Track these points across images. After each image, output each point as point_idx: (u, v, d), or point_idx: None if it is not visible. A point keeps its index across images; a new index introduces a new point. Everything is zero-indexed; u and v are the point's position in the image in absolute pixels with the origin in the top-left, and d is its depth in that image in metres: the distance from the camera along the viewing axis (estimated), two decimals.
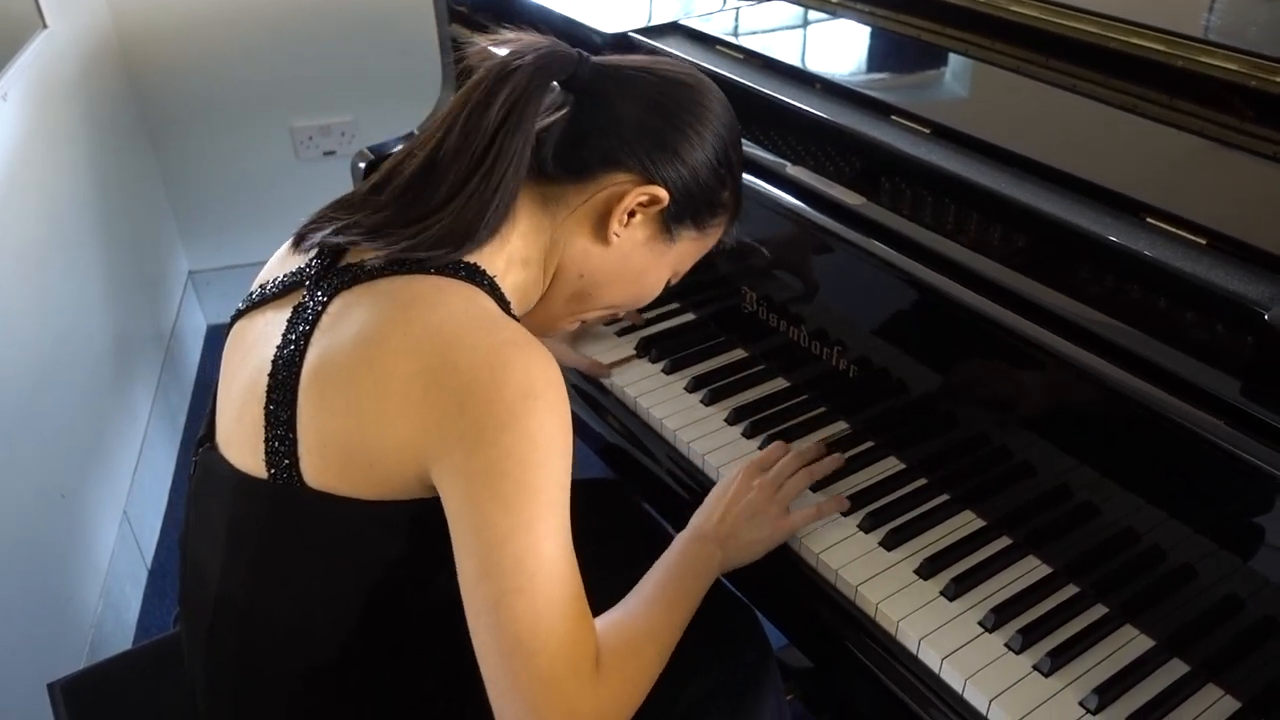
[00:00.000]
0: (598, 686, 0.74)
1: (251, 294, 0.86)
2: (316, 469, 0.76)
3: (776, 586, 0.98)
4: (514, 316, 0.82)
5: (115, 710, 1.04)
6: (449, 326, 0.74)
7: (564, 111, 0.85)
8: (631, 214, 0.86)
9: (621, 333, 1.24)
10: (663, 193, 0.85)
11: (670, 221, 0.88)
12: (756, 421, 1.09)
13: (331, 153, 2.42)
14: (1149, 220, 0.90)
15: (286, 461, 0.76)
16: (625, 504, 1.21)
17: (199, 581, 0.86)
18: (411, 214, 0.79)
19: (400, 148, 0.86)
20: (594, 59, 0.85)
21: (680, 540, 0.92)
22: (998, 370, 0.93)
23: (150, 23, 2.21)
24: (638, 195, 0.84)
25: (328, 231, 0.80)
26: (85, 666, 1.09)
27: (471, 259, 0.80)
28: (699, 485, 1.06)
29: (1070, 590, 0.90)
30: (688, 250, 0.92)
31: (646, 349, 1.21)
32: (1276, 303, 0.78)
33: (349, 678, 0.83)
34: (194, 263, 2.51)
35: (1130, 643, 0.85)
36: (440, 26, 1.62)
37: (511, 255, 0.84)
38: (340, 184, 2.06)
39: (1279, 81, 1.01)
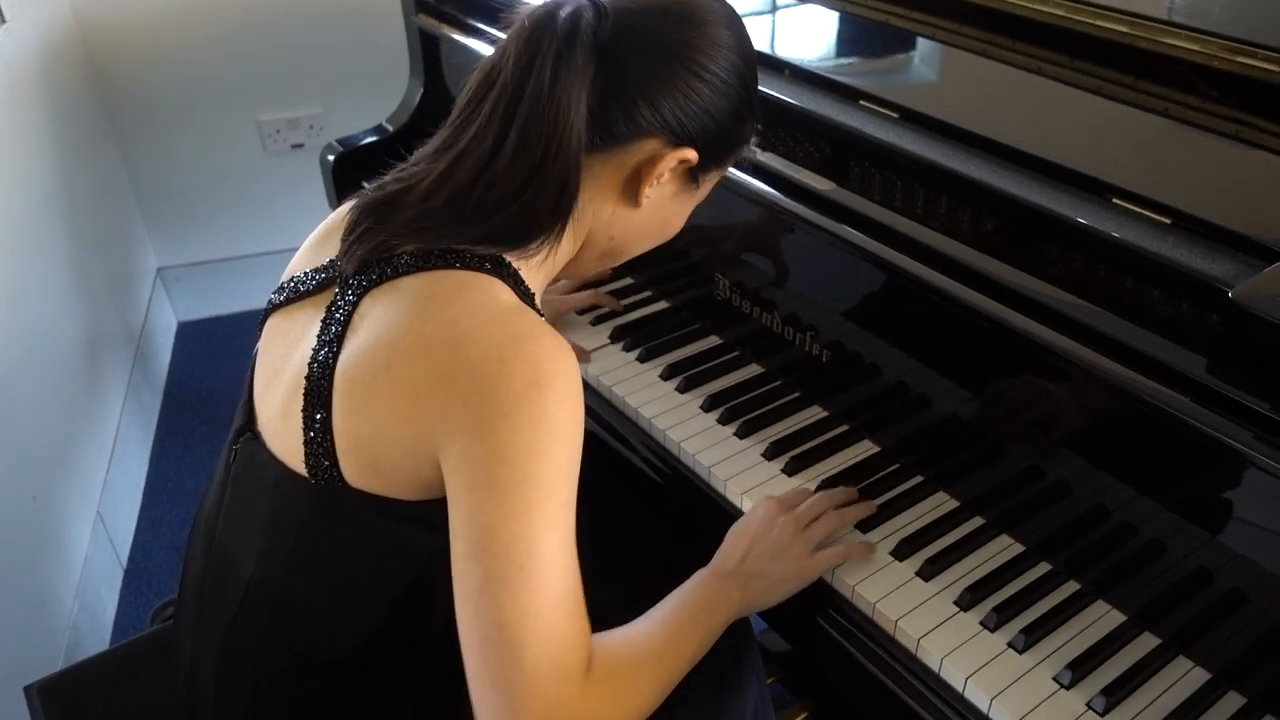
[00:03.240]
0: (584, 694, 0.72)
1: (284, 286, 0.85)
2: (354, 470, 0.76)
3: None
4: (534, 307, 0.80)
5: (94, 711, 1.03)
6: (462, 322, 0.73)
7: (590, 75, 0.78)
8: (661, 175, 0.83)
9: (595, 322, 1.24)
10: (693, 155, 0.82)
11: (698, 173, 0.86)
12: (732, 408, 1.09)
13: (300, 145, 2.40)
14: (1114, 201, 0.91)
15: (326, 463, 0.76)
16: (601, 491, 1.21)
17: (225, 567, 0.86)
18: (470, 212, 0.77)
19: (441, 130, 0.82)
20: (605, 4, 0.79)
21: (699, 576, 0.89)
22: (967, 352, 0.94)
23: (112, 16, 2.18)
24: (671, 161, 0.82)
25: (376, 235, 0.78)
26: (63, 668, 1.08)
27: (504, 252, 0.78)
28: (674, 472, 1.07)
29: (1042, 568, 0.91)
30: (711, 186, 0.91)
31: (620, 337, 1.21)
32: (1240, 280, 0.79)
33: (370, 670, 0.83)
34: (162, 259, 2.48)
35: (1102, 618, 0.87)
36: (407, 17, 1.61)
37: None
38: (309, 177, 2.06)
39: (1240, 61, 1.02)
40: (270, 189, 2.43)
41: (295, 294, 0.84)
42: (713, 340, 1.20)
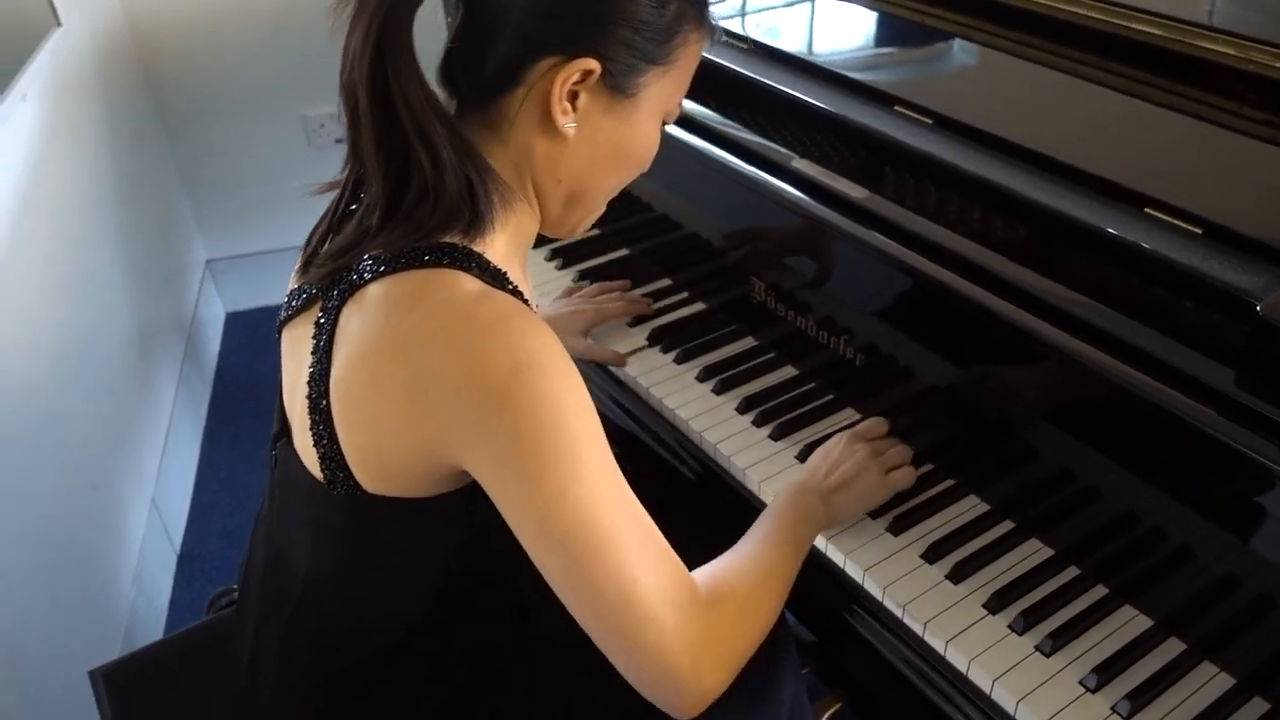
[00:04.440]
0: (705, 619, 0.76)
1: (289, 300, 0.88)
2: (368, 478, 0.78)
3: None
4: (506, 284, 0.78)
5: (155, 696, 1.08)
6: (429, 323, 0.73)
7: (458, 19, 0.78)
8: (574, 96, 0.78)
9: (633, 323, 1.27)
10: (591, 63, 0.76)
11: (621, 80, 0.79)
12: (766, 410, 1.11)
13: (343, 140, 2.43)
14: (1147, 210, 0.92)
15: (341, 474, 0.78)
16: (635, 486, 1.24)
17: (282, 567, 0.89)
18: (400, 221, 0.77)
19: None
20: None
21: (784, 493, 0.95)
22: (1000, 359, 0.95)
23: (162, 16, 2.24)
24: (564, 80, 0.77)
25: (327, 256, 0.80)
26: (125, 654, 1.14)
27: (454, 238, 0.77)
28: (709, 473, 1.09)
29: (1071, 573, 0.92)
30: (668, 86, 0.83)
31: (658, 339, 1.23)
32: (1270, 293, 0.80)
33: (422, 658, 0.87)
34: (211, 251, 2.54)
35: (1128, 623, 0.88)
36: (448, 15, 1.63)
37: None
38: None
39: (1277, 66, 1.02)
40: (314, 181, 2.45)
41: (292, 310, 0.86)
42: (748, 342, 1.23)
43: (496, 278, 0.77)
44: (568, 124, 0.79)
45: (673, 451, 1.15)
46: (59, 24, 1.81)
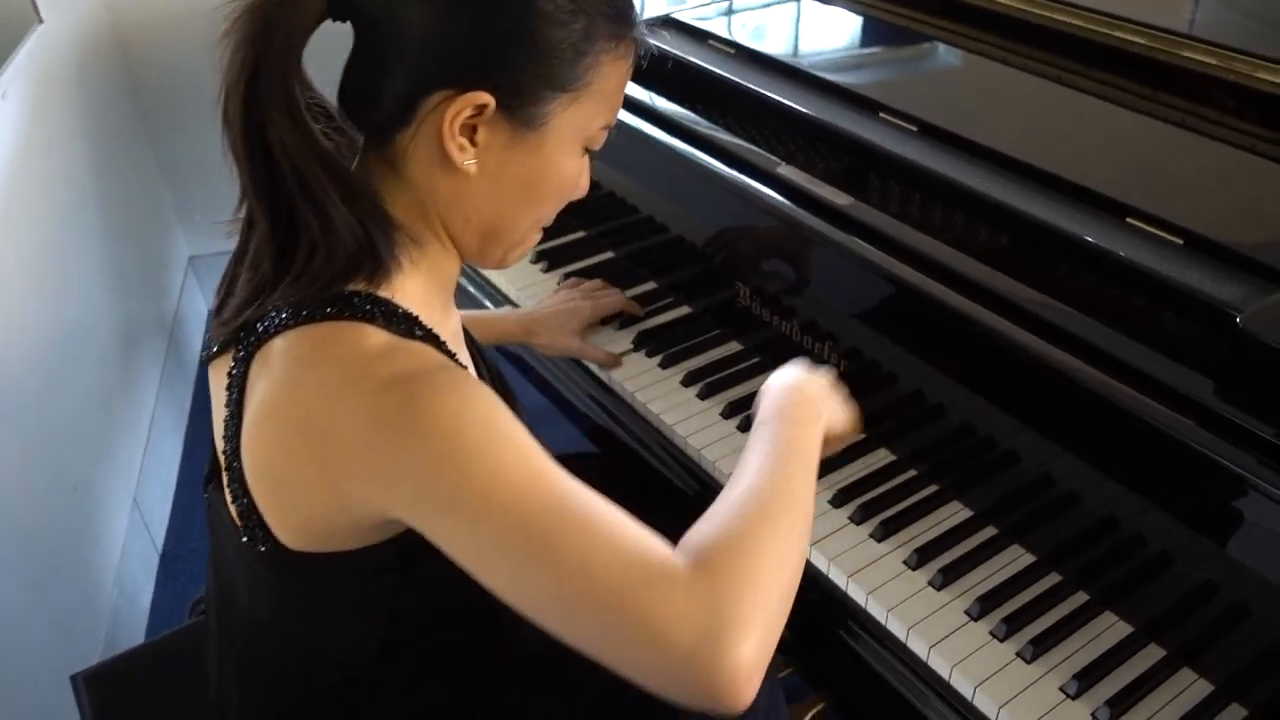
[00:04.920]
0: (696, 575, 0.63)
1: (205, 342, 0.82)
2: (287, 535, 0.74)
3: None
4: (416, 331, 0.72)
5: (136, 700, 1.08)
6: (327, 383, 0.68)
7: (351, 48, 0.72)
8: (473, 130, 0.72)
9: (619, 327, 1.27)
10: (483, 96, 0.70)
11: (522, 111, 0.73)
12: (751, 415, 1.12)
13: None
14: (1129, 220, 0.93)
15: (261, 532, 0.74)
16: (617, 487, 1.23)
17: (229, 600, 0.88)
18: (295, 275, 0.71)
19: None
20: None
21: (756, 403, 0.84)
22: (981, 367, 0.96)
23: (144, 12, 2.22)
24: (455, 116, 0.71)
25: (231, 312, 0.75)
26: (107, 658, 1.13)
27: (358, 286, 0.72)
28: (694, 477, 1.10)
29: (1052, 579, 0.93)
30: (583, 113, 0.76)
31: (643, 343, 1.24)
32: (1250, 305, 0.81)
33: (378, 688, 0.85)
34: (193, 248, 2.53)
35: (1109, 629, 0.89)
36: None
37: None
38: None
39: (1258, 77, 1.03)
40: None
41: (211, 351, 0.80)
42: (733, 347, 1.23)
43: (406, 324, 0.72)
44: (466, 161, 0.73)
45: (656, 456, 1.15)
46: (40, 20, 1.80)
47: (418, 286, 0.75)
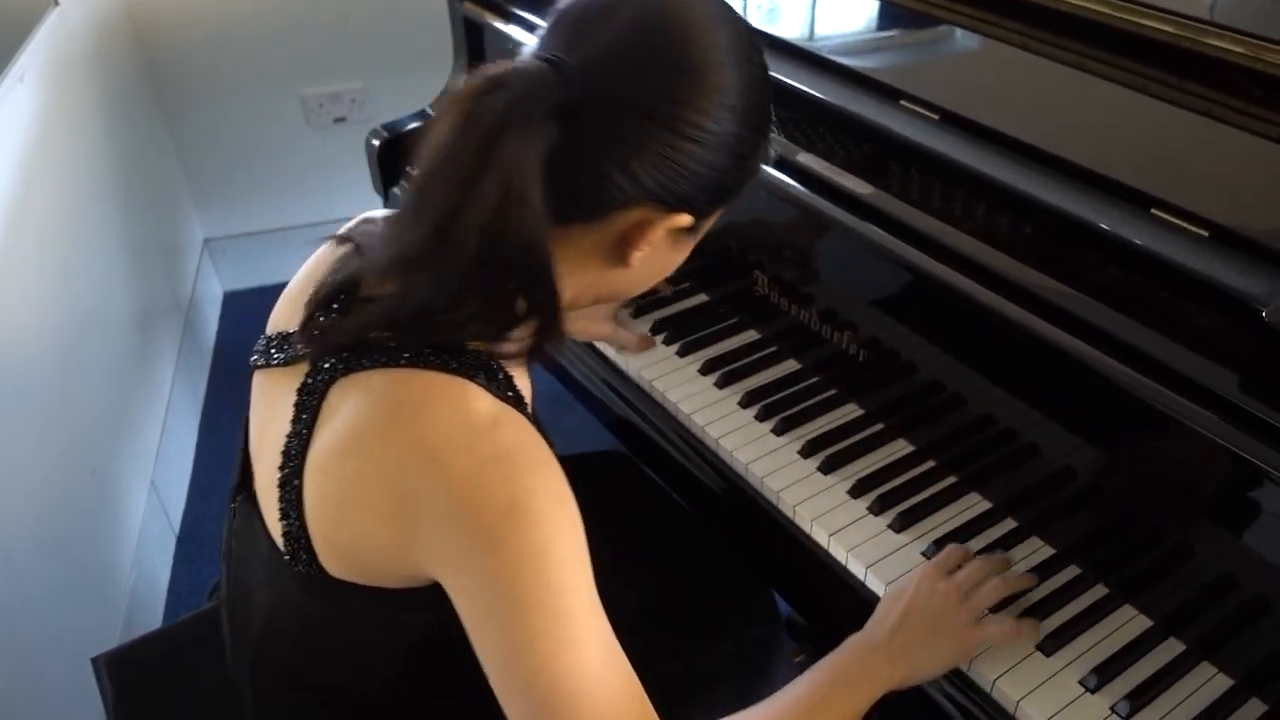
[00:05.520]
0: None
1: (267, 345, 0.81)
2: (334, 565, 0.75)
3: (787, 571, 1.02)
4: (509, 391, 0.73)
5: (156, 682, 1.09)
6: (429, 442, 0.68)
7: (543, 152, 0.68)
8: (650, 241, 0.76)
9: (637, 313, 1.27)
10: (685, 219, 0.75)
11: (700, 222, 0.78)
12: (769, 404, 1.12)
13: (342, 119, 2.43)
14: (1153, 211, 0.92)
15: (305, 554, 0.75)
16: (635, 478, 1.24)
17: (244, 600, 0.88)
18: (439, 324, 0.71)
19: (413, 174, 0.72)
20: (573, 64, 0.68)
21: (848, 643, 0.84)
22: (1001, 357, 0.95)
23: None
24: (661, 229, 0.74)
25: (335, 330, 0.74)
26: (127, 641, 1.14)
27: (475, 345, 0.73)
28: (712, 467, 1.10)
29: (1071, 572, 0.93)
30: (713, 223, 0.83)
31: (660, 330, 1.23)
32: (1275, 298, 0.80)
33: (397, 701, 0.85)
34: (209, 230, 2.53)
35: (1129, 623, 0.89)
36: (450, 2, 1.62)
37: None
38: (351, 150, 2.09)
39: None
40: (313, 161, 2.46)
41: (273, 359, 0.79)
42: (751, 335, 1.22)
43: (502, 387, 0.73)
44: (637, 259, 0.76)
45: (674, 444, 1.15)
46: (56, 4, 1.79)
47: (514, 346, 0.75)
